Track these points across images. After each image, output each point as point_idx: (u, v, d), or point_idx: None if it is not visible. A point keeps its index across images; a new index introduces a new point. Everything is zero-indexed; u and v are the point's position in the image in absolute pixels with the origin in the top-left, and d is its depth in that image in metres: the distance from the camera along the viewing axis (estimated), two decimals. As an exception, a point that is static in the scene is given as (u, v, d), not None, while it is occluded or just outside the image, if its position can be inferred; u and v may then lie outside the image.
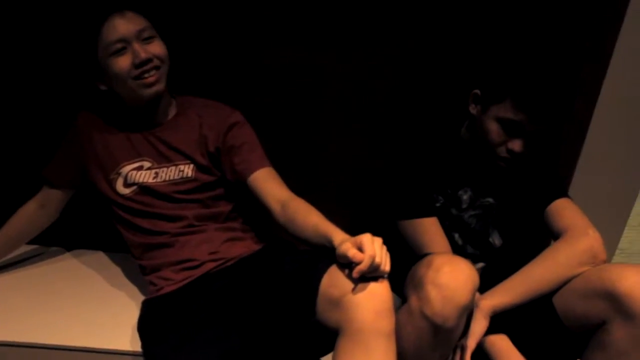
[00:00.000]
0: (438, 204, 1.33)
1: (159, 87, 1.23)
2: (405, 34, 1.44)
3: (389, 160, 1.36)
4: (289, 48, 1.44)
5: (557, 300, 1.21)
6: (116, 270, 1.50)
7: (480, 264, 1.38)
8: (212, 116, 1.32)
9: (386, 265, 0.98)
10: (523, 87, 1.18)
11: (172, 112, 1.33)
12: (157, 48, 1.23)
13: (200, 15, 1.42)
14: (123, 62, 1.20)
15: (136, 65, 1.19)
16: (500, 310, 1.17)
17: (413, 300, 1.04)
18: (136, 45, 1.19)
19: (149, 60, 1.20)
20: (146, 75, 1.21)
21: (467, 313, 1.13)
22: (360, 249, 0.97)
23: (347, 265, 1.00)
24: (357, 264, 0.95)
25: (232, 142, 1.30)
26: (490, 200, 1.36)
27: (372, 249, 0.96)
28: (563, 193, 1.32)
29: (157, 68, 1.22)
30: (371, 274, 0.98)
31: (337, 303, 0.98)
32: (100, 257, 1.57)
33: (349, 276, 0.98)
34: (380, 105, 1.51)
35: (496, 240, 1.38)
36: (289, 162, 1.53)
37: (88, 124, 1.33)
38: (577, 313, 1.17)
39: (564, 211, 1.27)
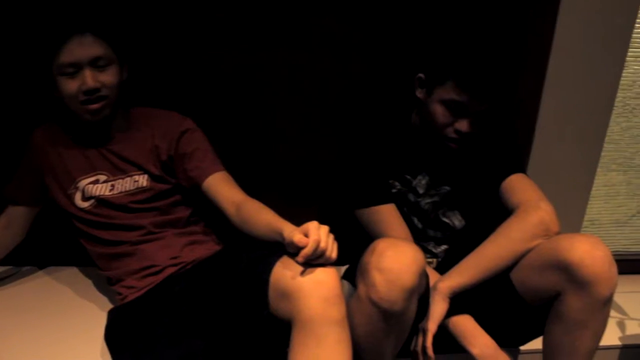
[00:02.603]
0: (394, 190, 1.34)
1: (104, 113, 1.25)
2: (347, 23, 1.44)
3: (341, 151, 1.37)
4: (235, 49, 1.45)
5: (514, 275, 1.21)
6: (89, 285, 1.51)
7: (444, 247, 1.39)
8: (163, 125, 1.34)
9: (332, 252, 1.00)
10: (463, 68, 1.18)
11: (125, 125, 1.34)
12: (108, 77, 1.23)
13: (150, 21, 1.42)
14: (71, 86, 1.21)
15: (83, 92, 1.21)
16: (459, 291, 1.18)
17: (360, 287, 1.04)
18: (87, 72, 1.20)
19: (96, 90, 1.21)
20: (91, 103, 1.22)
21: (423, 296, 1.14)
22: (306, 235, 0.99)
23: (296, 254, 1.01)
24: (303, 248, 0.97)
25: (184, 149, 1.32)
26: (447, 188, 1.36)
27: (317, 234, 0.98)
28: (517, 169, 1.32)
29: (103, 97, 1.23)
30: (317, 261, 0.99)
31: (286, 294, 0.99)
32: (74, 272, 1.57)
33: (297, 266, 1.00)
34: (332, 97, 1.52)
35: (456, 222, 1.38)
36: (248, 166, 1.54)
37: (43, 141, 1.35)
38: (533, 286, 1.17)
39: (517, 186, 1.27)
